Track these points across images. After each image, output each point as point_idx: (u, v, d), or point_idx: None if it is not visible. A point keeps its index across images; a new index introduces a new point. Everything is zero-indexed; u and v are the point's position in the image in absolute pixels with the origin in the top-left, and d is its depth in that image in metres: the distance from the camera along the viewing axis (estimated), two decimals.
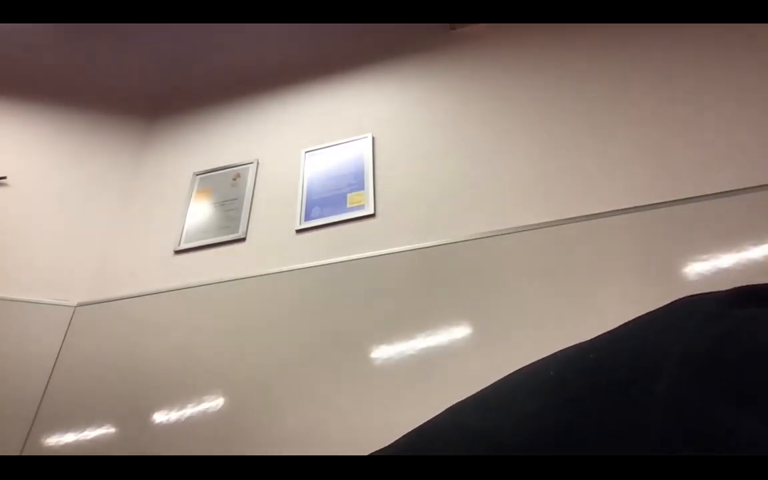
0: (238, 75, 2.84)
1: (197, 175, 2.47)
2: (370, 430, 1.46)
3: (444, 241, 1.82)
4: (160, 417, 1.74)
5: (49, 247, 2.24)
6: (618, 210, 1.69)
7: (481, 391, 0.49)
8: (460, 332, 1.56)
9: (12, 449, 1.75)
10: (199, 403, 1.73)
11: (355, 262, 1.81)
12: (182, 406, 1.72)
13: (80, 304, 2.07)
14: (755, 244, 1.49)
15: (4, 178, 2.36)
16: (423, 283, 1.72)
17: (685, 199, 1.64)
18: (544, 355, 1.35)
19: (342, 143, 2.32)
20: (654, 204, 1.66)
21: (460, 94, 2.32)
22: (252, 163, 2.42)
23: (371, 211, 2.04)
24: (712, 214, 1.58)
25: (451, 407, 0.50)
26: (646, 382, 0.37)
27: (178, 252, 2.21)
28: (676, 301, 0.47)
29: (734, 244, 1.50)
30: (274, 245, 2.10)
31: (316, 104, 2.57)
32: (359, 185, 2.15)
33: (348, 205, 2.10)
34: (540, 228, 1.74)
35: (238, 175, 2.40)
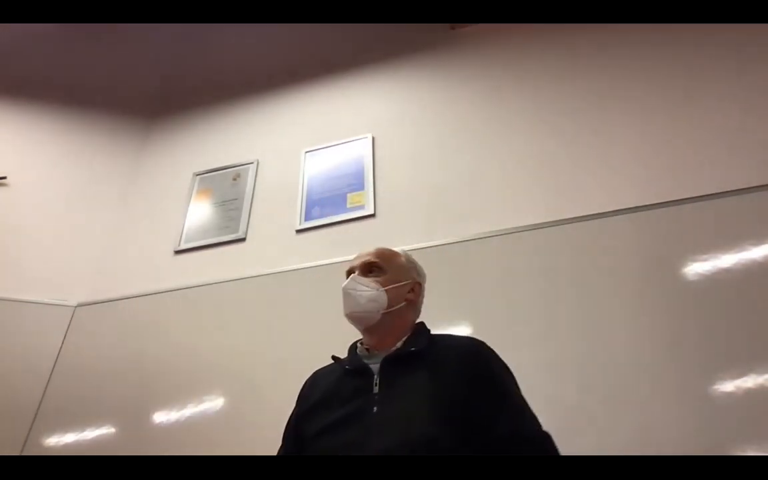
0: (239, 75, 2.84)
1: (197, 175, 2.47)
2: None
3: (444, 241, 1.82)
4: (160, 417, 1.74)
5: (49, 247, 2.24)
6: (618, 210, 1.69)
7: None
8: (460, 332, 1.56)
9: (12, 449, 1.75)
10: (199, 403, 1.73)
11: None
12: (182, 406, 1.72)
13: (80, 304, 2.07)
14: (755, 244, 1.48)
15: (4, 178, 2.36)
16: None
17: (685, 199, 1.64)
18: (543, 355, 1.35)
19: (342, 143, 2.32)
20: (654, 204, 1.66)
21: (460, 94, 2.32)
22: (252, 163, 2.42)
23: (371, 211, 2.04)
24: (712, 214, 1.58)
25: None
26: None
27: (178, 252, 2.21)
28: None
29: (734, 244, 1.50)
30: (274, 245, 2.10)
31: (316, 104, 2.56)
32: (359, 185, 2.14)
33: (348, 205, 2.10)
34: (540, 228, 1.74)
35: (238, 175, 2.40)
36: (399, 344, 1.00)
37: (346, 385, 0.96)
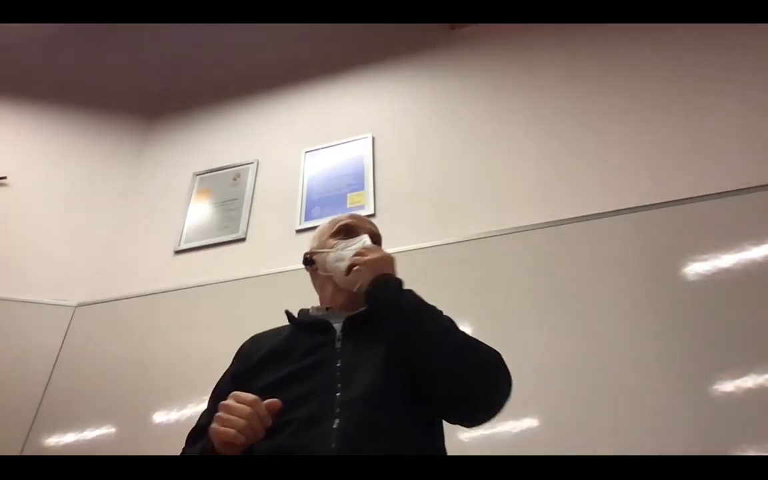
0: (239, 75, 2.84)
1: (197, 175, 2.47)
2: None
3: (444, 241, 1.82)
4: (160, 417, 1.73)
5: (48, 247, 2.24)
6: (618, 210, 1.69)
7: None
8: None
9: (12, 449, 1.75)
10: (199, 403, 1.73)
11: None
12: (182, 406, 1.72)
13: (80, 304, 2.07)
14: (755, 244, 1.49)
15: (4, 178, 2.36)
16: (422, 283, 1.72)
17: (685, 199, 1.64)
18: (542, 355, 1.35)
19: (342, 143, 2.32)
20: (654, 204, 1.66)
21: (460, 94, 2.32)
22: (252, 163, 2.42)
23: (371, 211, 2.04)
24: (712, 214, 1.58)
25: None
26: None
27: (178, 252, 2.21)
28: None
29: (734, 244, 1.50)
30: (274, 245, 2.10)
31: (316, 104, 2.56)
32: (359, 185, 2.15)
33: (348, 205, 2.10)
34: (540, 228, 1.74)
35: (238, 175, 2.40)
36: (364, 307, 0.99)
37: (302, 340, 0.95)
